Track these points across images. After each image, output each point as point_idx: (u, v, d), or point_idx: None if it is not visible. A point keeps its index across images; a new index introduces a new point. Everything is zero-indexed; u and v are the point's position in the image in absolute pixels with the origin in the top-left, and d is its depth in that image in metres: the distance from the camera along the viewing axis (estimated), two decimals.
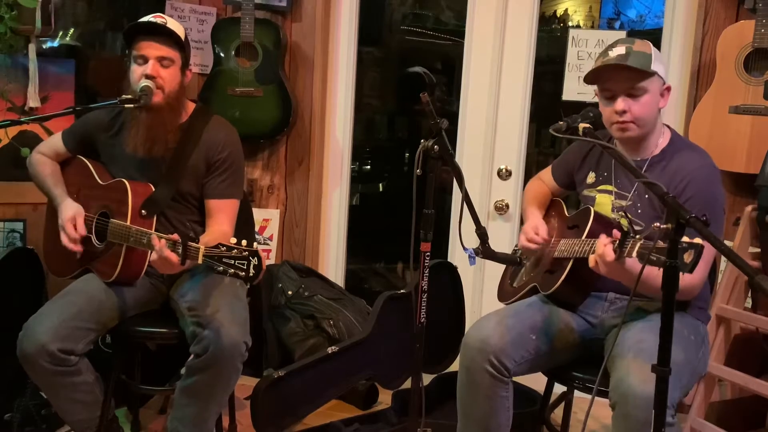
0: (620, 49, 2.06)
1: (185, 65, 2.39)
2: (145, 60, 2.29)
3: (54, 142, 2.58)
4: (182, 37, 2.36)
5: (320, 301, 3.19)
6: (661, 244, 1.55)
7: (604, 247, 1.81)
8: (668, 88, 2.12)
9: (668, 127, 2.21)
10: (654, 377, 1.57)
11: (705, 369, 2.25)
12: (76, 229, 2.34)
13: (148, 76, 2.27)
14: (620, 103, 2.06)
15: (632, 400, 1.82)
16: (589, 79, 2.12)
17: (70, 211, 2.37)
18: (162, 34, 2.31)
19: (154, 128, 2.34)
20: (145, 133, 2.33)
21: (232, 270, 1.93)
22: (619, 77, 2.06)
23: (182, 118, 2.44)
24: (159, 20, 2.34)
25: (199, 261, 1.98)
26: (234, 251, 1.94)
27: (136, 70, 2.31)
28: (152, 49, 2.30)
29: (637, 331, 2.02)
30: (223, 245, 1.95)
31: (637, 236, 1.72)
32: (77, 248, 2.35)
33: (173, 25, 2.36)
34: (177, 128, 2.39)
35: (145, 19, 2.35)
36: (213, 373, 2.18)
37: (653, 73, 2.05)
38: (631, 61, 2.03)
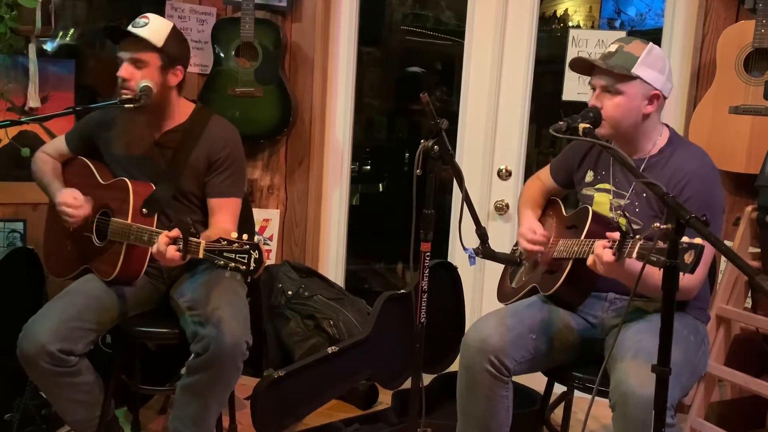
0: (613, 47, 2.08)
1: (168, 65, 2.35)
2: (122, 62, 2.32)
3: (58, 143, 2.60)
4: (155, 40, 2.30)
5: (320, 302, 3.19)
6: (661, 244, 1.55)
7: (602, 249, 1.81)
8: (656, 96, 2.08)
9: (667, 126, 2.20)
10: (654, 378, 1.57)
11: (705, 369, 2.25)
12: (76, 199, 2.36)
13: (122, 78, 2.30)
14: (593, 99, 2.10)
15: (632, 401, 1.82)
16: (576, 68, 2.15)
17: (64, 192, 2.39)
18: (133, 36, 2.30)
19: (135, 129, 2.38)
20: (127, 133, 2.38)
21: (233, 264, 1.93)
22: (600, 73, 2.08)
23: (180, 117, 2.44)
24: (141, 20, 2.33)
25: (200, 255, 1.98)
26: (235, 245, 1.93)
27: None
28: (124, 51, 2.33)
29: (637, 332, 2.02)
30: (224, 239, 1.95)
31: (637, 236, 1.72)
32: (86, 210, 2.37)
33: (151, 27, 2.32)
34: (180, 126, 2.41)
35: (118, 23, 2.36)
36: (214, 371, 2.18)
37: (632, 77, 2.04)
38: (613, 61, 2.04)
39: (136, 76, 2.31)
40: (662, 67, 2.08)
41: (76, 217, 2.36)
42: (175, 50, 2.38)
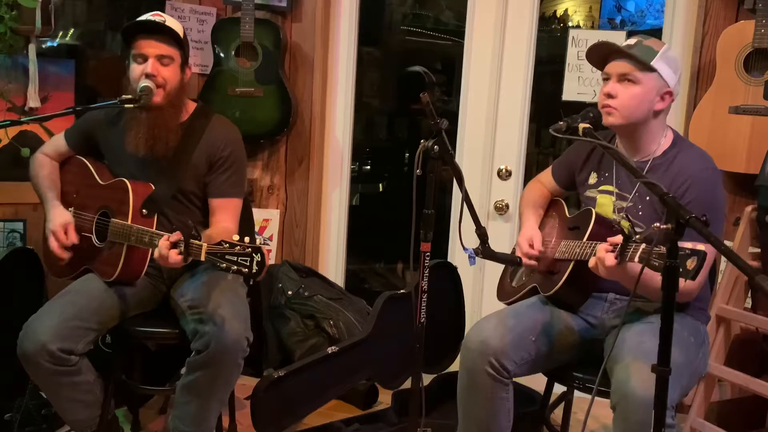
0: (632, 41, 2.11)
1: (185, 63, 2.39)
2: (145, 59, 2.30)
3: (57, 142, 2.59)
4: (181, 34, 2.36)
5: (320, 301, 3.19)
6: (662, 249, 1.55)
7: (605, 253, 1.81)
8: (669, 93, 2.10)
9: (671, 128, 2.21)
10: (654, 378, 1.57)
11: (705, 370, 2.25)
12: (67, 236, 2.35)
13: (148, 75, 2.28)
14: (609, 86, 2.10)
15: (632, 402, 1.82)
16: (593, 57, 2.15)
17: (61, 218, 2.38)
18: (161, 32, 2.31)
19: (156, 127, 2.34)
20: (147, 132, 2.34)
21: (235, 267, 1.92)
22: (618, 62, 2.09)
23: (183, 116, 2.44)
24: (158, 18, 2.34)
25: (202, 258, 1.98)
26: (237, 248, 1.93)
27: (135, 69, 2.31)
28: (151, 47, 2.30)
29: (637, 333, 2.02)
30: (226, 242, 1.94)
31: (638, 238, 1.72)
32: (65, 255, 2.37)
33: (172, 23, 2.36)
34: (178, 126, 2.40)
35: (143, 17, 2.35)
36: (214, 368, 2.18)
37: (651, 69, 2.05)
38: (634, 51, 2.06)
39: (163, 72, 2.31)
40: (676, 67, 2.11)
41: (56, 252, 2.36)
42: (188, 48, 2.42)
